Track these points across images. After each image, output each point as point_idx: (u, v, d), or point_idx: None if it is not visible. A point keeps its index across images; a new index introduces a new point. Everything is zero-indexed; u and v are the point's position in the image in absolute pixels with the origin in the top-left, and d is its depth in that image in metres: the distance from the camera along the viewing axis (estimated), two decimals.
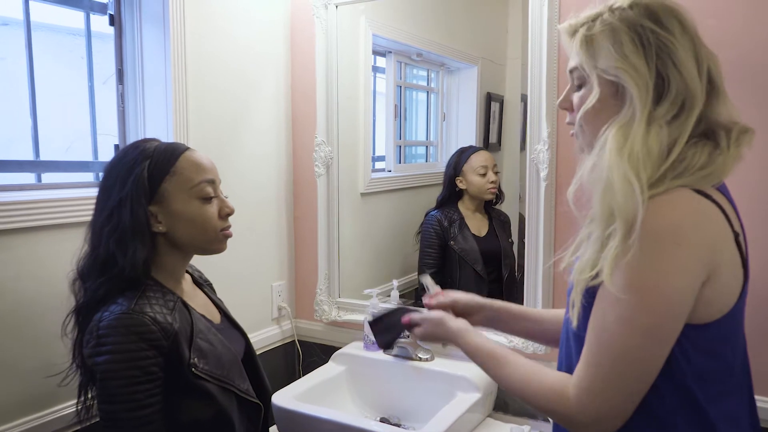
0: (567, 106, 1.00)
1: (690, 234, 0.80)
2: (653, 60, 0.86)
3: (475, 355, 1.06)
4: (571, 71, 0.96)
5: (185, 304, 1.15)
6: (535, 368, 0.97)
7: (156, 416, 1.04)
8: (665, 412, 0.87)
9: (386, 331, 1.27)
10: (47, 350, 1.36)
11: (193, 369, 1.08)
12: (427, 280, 1.28)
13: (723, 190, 0.89)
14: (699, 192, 0.83)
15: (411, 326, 1.20)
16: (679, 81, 0.85)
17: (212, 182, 1.17)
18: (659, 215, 0.81)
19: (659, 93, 0.86)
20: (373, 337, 1.75)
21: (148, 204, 1.10)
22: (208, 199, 1.15)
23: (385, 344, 1.32)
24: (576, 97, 0.96)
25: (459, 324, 1.13)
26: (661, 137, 0.84)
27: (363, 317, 1.90)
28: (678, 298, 0.81)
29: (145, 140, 1.17)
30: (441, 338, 1.16)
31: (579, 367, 0.88)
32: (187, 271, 1.28)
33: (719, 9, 1.41)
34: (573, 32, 0.94)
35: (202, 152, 1.19)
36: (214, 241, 1.18)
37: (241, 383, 1.19)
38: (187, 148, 1.17)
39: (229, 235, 1.20)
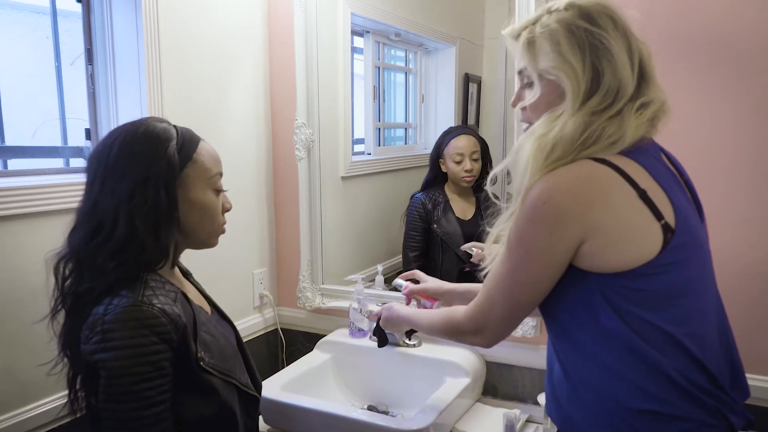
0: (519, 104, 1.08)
1: (561, 196, 0.92)
2: (588, 56, 0.95)
3: (409, 320, 1.33)
4: (519, 72, 1.05)
5: (185, 296, 1.09)
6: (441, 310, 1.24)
7: (167, 414, 0.98)
8: (613, 359, 0.94)
9: (378, 335, 1.56)
10: (18, 346, 1.29)
11: (201, 363, 1.03)
12: (398, 283, 1.56)
13: (639, 157, 0.95)
14: (597, 160, 0.92)
15: (379, 319, 1.47)
16: (612, 74, 0.95)
17: (221, 176, 1.15)
18: (542, 181, 0.93)
19: (595, 86, 0.95)
20: (359, 325, 1.77)
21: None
22: (218, 192, 1.14)
23: (381, 343, 1.58)
24: (525, 96, 1.05)
25: (396, 305, 1.42)
26: (582, 122, 0.94)
27: (348, 304, 1.86)
28: (537, 248, 0.94)
29: (155, 119, 1.11)
30: (390, 320, 1.41)
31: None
32: None
33: None
34: (516, 36, 1.03)
35: None
36: (215, 234, 1.16)
37: (242, 376, 1.15)
38: (201, 138, 1.14)
39: (224, 231, 1.18)
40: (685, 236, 0.93)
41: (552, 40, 0.96)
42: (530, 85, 1.03)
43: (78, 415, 1.10)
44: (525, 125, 1.07)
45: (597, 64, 0.95)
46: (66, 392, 1.09)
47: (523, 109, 1.06)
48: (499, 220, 1.05)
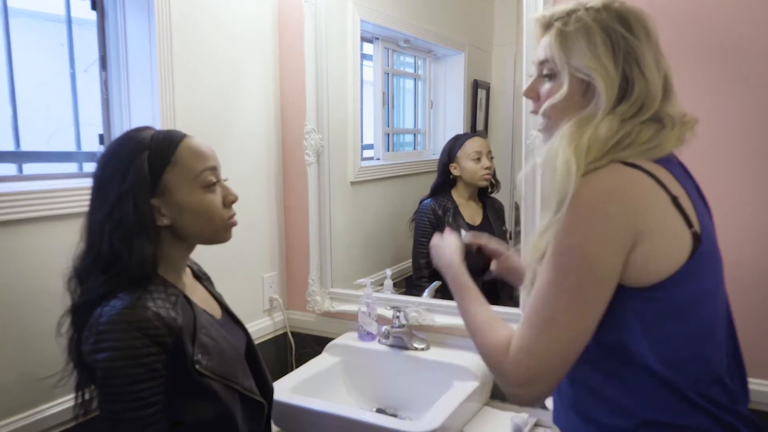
0: (533, 95, 1.04)
1: (608, 203, 0.86)
2: (620, 63, 0.92)
3: (453, 284, 1.13)
4: (541, 62, 1.00)
5: (187, 299, 1.10)
6: (493, 319, 1.02)
7: (160, 415, 0.99)
8: (629, 372, 0.91)
9: None
10: (34, 349, 1.31)
11: (197, 366, 1.03)
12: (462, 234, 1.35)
13: (667, 165, 0.93)
14: (629, 164, 0.89)
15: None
16: (642, 84, 0.92)
17: (214, 169, 1.12)
18: (583, 188, 0.87)
19: (623, 94, 0.92)
20: (368, 329, 1.77)
21: (150, 197, 1.05)
22: (211, 188, 1.10)
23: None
24: (544, 88, 1.00)
25: (454, 258, 1.18)
26: (615, 126, 0.91)
27: (357, 307, 1.87)
28: (595, 263, 0.86)
29: (139, 129, 1.11)
30: (438, 263, 1.23)
31: (519, 329, 0.92)
32: (187, 264, 1.22)
33: None
34: (547, 24, 0.99)
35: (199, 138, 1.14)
36: (221, 230, 1.13)
37: (245, 380, 1.15)
38: (185, 135, 1.11)
39: (234, 224, 1.16)
40: (708, 244, 0.91)
41: (588, 38, 0.93)
42: (551, 77, 0.99)
43: (81, 420, 1.13)
44: (541, 120, 1.03)
45: (628, 71, 0.92)
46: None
47: (536, 99, 1.03)
48: (539, 227, 0.95)
